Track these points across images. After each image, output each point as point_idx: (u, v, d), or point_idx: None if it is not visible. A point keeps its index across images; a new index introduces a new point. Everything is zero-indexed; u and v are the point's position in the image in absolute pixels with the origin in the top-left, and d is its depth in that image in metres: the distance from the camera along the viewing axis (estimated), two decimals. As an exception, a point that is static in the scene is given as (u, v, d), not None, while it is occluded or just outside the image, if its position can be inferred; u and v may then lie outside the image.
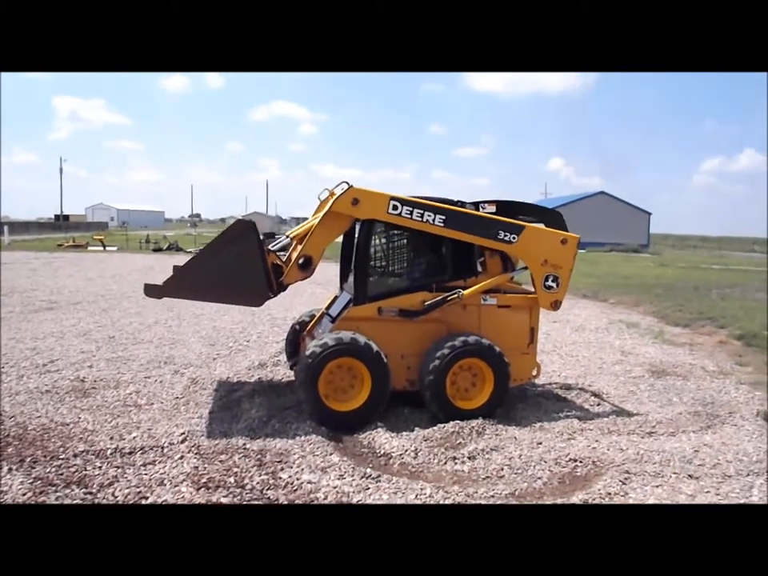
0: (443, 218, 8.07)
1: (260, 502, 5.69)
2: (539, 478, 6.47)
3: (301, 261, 8.06)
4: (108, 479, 6.01)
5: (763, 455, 7.10)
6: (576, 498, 5.92)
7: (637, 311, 19.47)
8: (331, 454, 6.76)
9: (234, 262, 7.58)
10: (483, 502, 5.87)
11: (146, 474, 6.14)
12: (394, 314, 8.22)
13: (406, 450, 7.03)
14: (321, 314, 9.75)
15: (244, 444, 6.98)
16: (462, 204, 8.61)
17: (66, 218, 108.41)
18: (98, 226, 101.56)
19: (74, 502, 5.53)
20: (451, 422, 7.70)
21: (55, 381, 9.53)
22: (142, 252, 45.16)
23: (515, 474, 6.58)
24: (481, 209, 8.62)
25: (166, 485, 5.90)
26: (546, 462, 6.81)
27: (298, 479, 6.14)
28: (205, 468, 6.23)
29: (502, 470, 6.65)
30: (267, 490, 5.92)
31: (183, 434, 7.23)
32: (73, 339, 12.74)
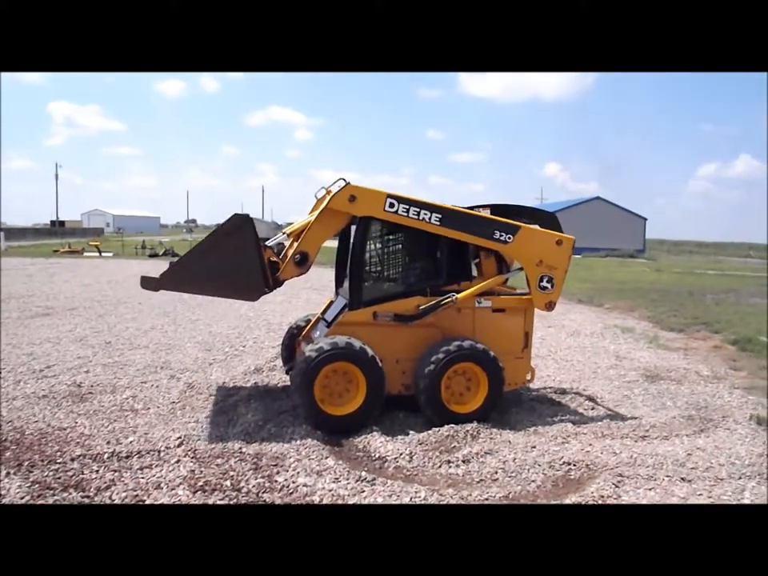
0: (439, 216, 8.13)
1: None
2: (533, 481, 6.52)
3: (297, 257, 8.09)
4: (105, 483, 6.05)
5: (756, 458, 7.16)
6: (569, 501, 5.98)
7: (632, 316, 19.54)
8: (327, 458, 6.81)
9: (230, 256, 7.61)
10: (477, 503, 5.92)
11: (142, 478, 6.18)
12: (389, 319, 8.27)
13: (401, 454, 7.07)
14: (316, 318, 9.78)
15: (240, 448, 7.03)
16: None
17: (62, 223, 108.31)
18: (94, 231, 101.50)
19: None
20: (446, 426, 7.75)
21: (52, 386, 9.57)
22: (137, 258, 45.13)
23: (509, 477, 6.63)
24: (477, 209, 8.67)
25: (162, 488, 5.94)
26: (539, 465, 6.85)
27: (293, 482, 6.18)
28: (201, 471, 6.28)
29: (496, 473, 6.70)
30: (263, 493, 5.97)
31: (180, 438, 7.27)
32: (69, 345, 12.76)
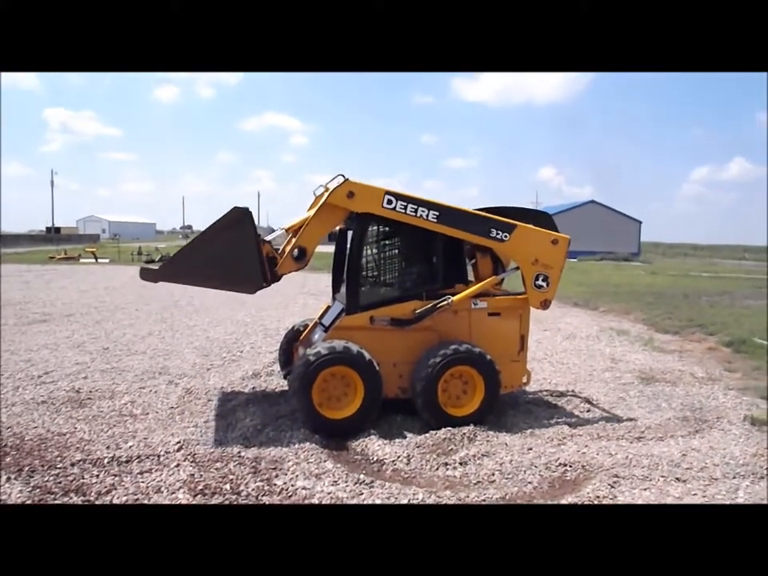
0: (436, 213, 8.19)
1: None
2: (529, 483, 6.58)
3: (295, 252, 8.14)
4: (106, 487, 6.10)
5: (749, 458, 7.23)
6: (565, 502, 6.05)
7: (627, 319, 19.61)
8: (325, 461, 6.88)
9: (229, 248, 7.67)
10: (474, 503, 5.99)
11: (143, 482, 6.23)
12: (385, 323, 8.33)
13: (399, 457, 7.13)
14: (314, 323, 9.85)
15: (239, 452, 7.08)
16: None
17: (58, 230, 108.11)
18: (90, 238, 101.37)
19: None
20: (443, 429, 7.80)
21: (51, 392, 9.61)
22: (134, 264, 45.07)
23: (506, 478, 6.69)
24: None
25: (163, 492, 6.00)
26: (536, 466, 6.92)
27: (292, 485, 6.24)
28: (201, 475, 6.33)
29: (493, 474, 6.76)
30: (262, 496, 6.03)
31: (179, 442, 7.33)
32: (67, 351, 12.80)
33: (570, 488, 6.46)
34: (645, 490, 6.36)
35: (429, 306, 8.30)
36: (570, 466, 6.93)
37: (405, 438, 7.77)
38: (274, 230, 9.01)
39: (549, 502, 6.09)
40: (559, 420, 8.71)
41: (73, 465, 6.66)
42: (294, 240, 8.25)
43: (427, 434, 7.74)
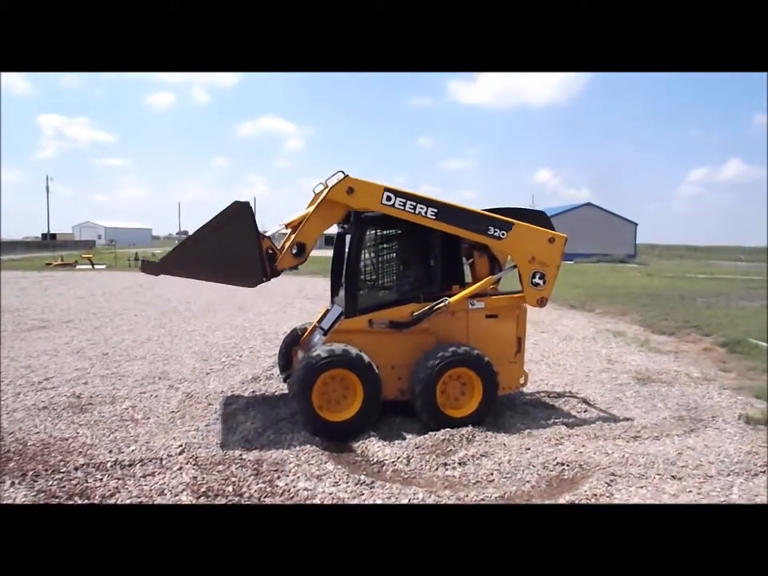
0: (435, 211, 8.26)
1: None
2: (528, 482, 6.67)
3: (294, 247, 8.21)
4: (109, 490, 6.18)
5: (743, 456, 7.33)
6: (563, 500, 6.15)
7: (623, 320, 19.72)
8: (326, 463, 6.96)
9: (229, 242, 7.73)
10: (473, 503, 6.07)
11: (146, 485, 6.30)
12: (384, 326, 8.41)
13: (399, 458, 7.21)
14: (313, 327, 9.93)
15: (240, 454, 7.15)
16: None
17: (54, 236, 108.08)
18: (86, 244, 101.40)
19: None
20: (442, 430, 7.89)
21: (51, 397, 9.67)
22: (131, 270, 45.12)
23: (504, 478, 6.78)
24: None
25: (166, 494, 6.07)
26: (534, 466, 7.01)
27: (294, 487, 6.33)
28: (203, 478, 6.40)
29: (492, 474, 6.85)
30: (265, 497, 6.11)
31: (181, 446, 7.40)
32: (66, 357, 12.86)
33: (568, 487, 6.56)
34: (641, 487, 6.46)
35: (426, 308, 8.38)
36: (568, 465, 7.02)
37: (404, 439, 7.85)
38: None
39: (547, 501, 6.17)
40: (556, 420, 8.80)
41: (76, 469, 6.73)
42: (293, 236, 8.32)
43: (426, 435, 7.83)
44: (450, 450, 7.52)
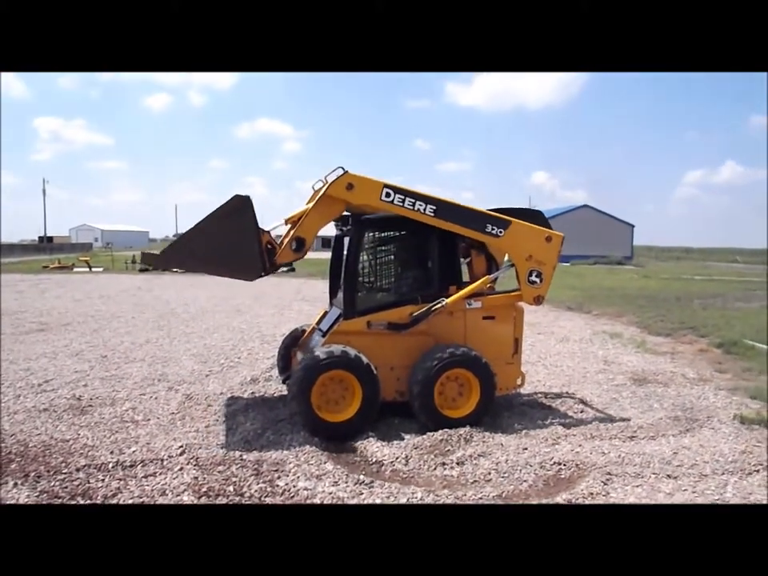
0: (434, 208, 8.33)
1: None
2: (525, 481, 6.74)
3: (294, 242, 8.27)
4: (111, 491, 6.24)
5: (738, 455, 7.42)
6: (560, 499, 6.21)
7: (620, 322, 19.80)
8: (325, 463, 7.03)
9: (229, 235, 7.78)
10: (472, 503, 6.14)
11: (147, 486, 6.37)
12: (382, 328, 8.48)
13: (397, 458, 7.29)
14: (311, 328, 9.99)
15: (241, 455, 7.21)
16: None
17: (50, 239, 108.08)
18: (82, 247, 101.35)
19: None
20: (440, 431, 7.96)
21: (52, 399, 9.72)
22: (128, 272, 45.14)
23: (502, 477, 6.85)
24: None
25: (167, 495, 6.13)
26: (531, 465, 7.08)
27: (294, 486, 6.40)
28: (204, 478, 6.47)
29: (490, 474, 6.92)
30: (265, 497, 6.18)
31: (181, 447, 7.46)
32: (66, 359, 12.90)
33: (565, 486, 6.63)
34: (637, 486, 6.54)
35: (424, 309, 8.45)
36: (564, 465, 7.10)
37: (403, 439, 7.92)
38: None
39: (544, 500, 6.24)
40: (553, 421, 8.87)
41: (78, 470, 6.79)
42: (292, 231, 8.37)
43: (424, 436, 7.90)
44: (448, 450, 7.59)
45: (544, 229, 8.80)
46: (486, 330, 8.88)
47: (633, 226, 79.89)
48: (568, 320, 20.21)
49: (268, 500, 6.13)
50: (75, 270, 47.21)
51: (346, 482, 6.51)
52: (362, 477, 6.65)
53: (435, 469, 7.10)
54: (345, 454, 7.52)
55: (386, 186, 8.20)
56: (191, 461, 6.98)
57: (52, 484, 6.40)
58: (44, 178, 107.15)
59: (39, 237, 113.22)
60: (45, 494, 6.15)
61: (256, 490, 6.27)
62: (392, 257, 9.36)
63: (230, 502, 6.01)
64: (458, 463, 7.19)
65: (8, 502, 5.96)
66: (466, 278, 9.22)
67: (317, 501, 6.13)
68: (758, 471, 7.00)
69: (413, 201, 8.28)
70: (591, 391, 10.79)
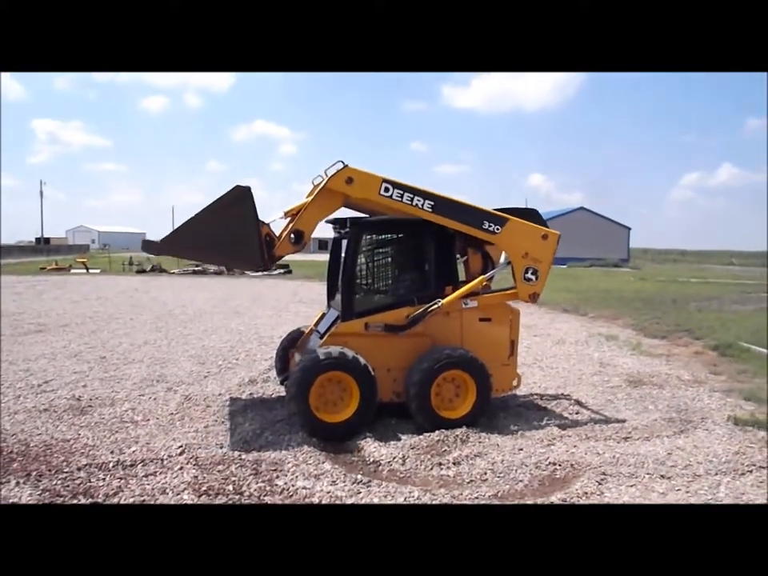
0: (432, 203, 8.44)
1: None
2: (520, 481, 6.83)
3: (293, 234, 8.36)
4: (113, 489, 6.32)
5: (731, 456, 7.50)
6: (555, 498, 6.30)
7: (616, 324, 19.89)
8: (323, 463, 7.11)
9: (230, 225, 7.85)
10: (468, 503, 6.23)
11: (148, 485, 6.45)
12: (380, 329, 8.56)
13: (395, 458, 7.38)
14: (309, 330, 10.07)
15: (240, 455, 7.30)
16: None
17: (47, 241, 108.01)
18: (79, 248, 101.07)
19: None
20: (436, 431, 8.05)
21: (52, 400, 9.79)
22: (125, 274, 45.19)
23: (498, 477, 6.94)
24: None
25: (168, 493, 6.21)
26: (526, 465, 7.17)
27: (293, 485, 6.48)
28: (204, 477, 6.55)
29: (486, 473, 7.01)
30: (264, 496, 6.26)
31: (181, 446, 7.54)
32: (65, 360, 12.97)
33: (560, 485, 6.72)
34: (631, 486, 6.64)
35: (420, 310, 8.53)
36: (560, 465, 7.19)
37: (400, 440, 8.01)
38: None
39: (539, 500, 6.32)
40: (549, 422, 8.95)
41: (79, 469, 6.87)
42: (291, 224, 8.45)
43: (421, 436, 7.99)
44: (445, 450, 7.67)
45: (540, 227, 8.91)
46: (483, 332, 8.95)
47: (629, 229, 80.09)
48: (564, 322, 20.31)
49: (267, 499, 6.21)
50: (72, 271, 47.20)
51: (344, 482, 6.59)
52: (359, 476, 6.73)
53: (432, 469, 7.18)
54: (343, 454, 7.60)
55: (385, 180, 8.31)
56: (191, 460, 7.06)
57: (54, 483, 6.47)
58: (41, 180, 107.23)
59: (36, 238, 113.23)
60: (47, 493, 6.21)
61: (255, 489, 6.35)
62: (389, 259, 9.46)
63: (230, 501, 6.09)
64: (454, 463, 7.28)
65: (10, 501, 6.02)
66: (462, 276, 9.29)
67: (315, 500, 6.21)
68: (750, 472, 7.09)
69: (411, 196, 8.37)
70: (587, 393, 10.88)
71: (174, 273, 45.54)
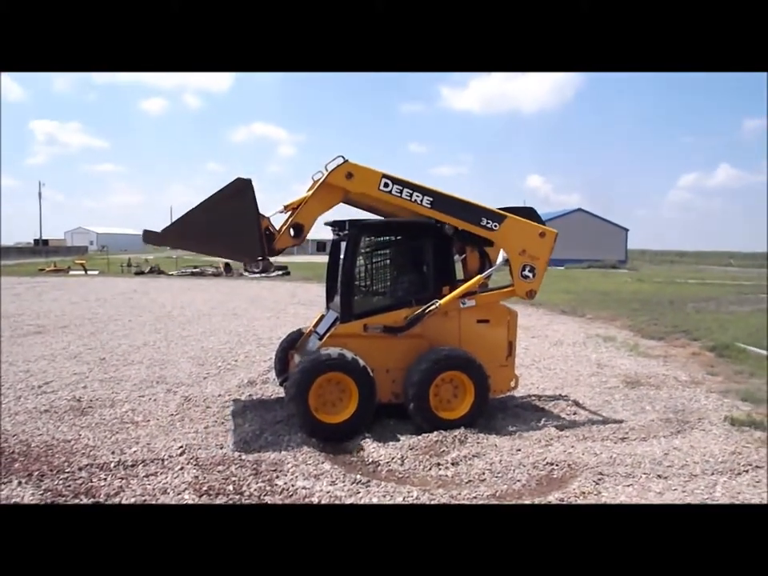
0: (431, 199, 8.51)
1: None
2: (518, 481, 6.89)
3: (292, 228, 8.43)
4: (114, 489, 6.37)
5: (728, 456, 7.56)
6: (552, 498, 6.36)
7: (614, 325, 19.94)
8: (323, 463, 7.17)
9: (230, 217, 7.89)
10: (466, 502, 6.28)
11: (149, 485, 6.50)
12: (378, 331, 8.62)
13: (393, 458, 7.43)
14: (308, 331, 10.12)
15: (240, 455, 7.36)
16: None
17: (46, 242, 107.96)
18: (78, 250, 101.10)
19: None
20: (435, 432, 8.10)
21: (52, 401, 9.84)
22: (123, 275, 45.21)
23: (496, 477, 7.00)
24: None
25: (169, 493, 6.27)
26: (524, 466, 7.23)
27: (293, 485, 6.54)
28: (204, 477, 6.61)
29: (484, 474, 7.07)
30: (264, 496, 6.32)
31: (181, 447, 7.59)
32: (64, 362, 13.01)
33: (557, 485, 6.78)
34: (628, 486, 6.69)
35: (418, 311, 8.58)
36: (557, 465, 7.25)
37: (398, 440, 8.05)
38: None
39: (537, 499, 6.38)
40: (546, 422, 9.00)
41: (80, 469, 6.92)
42: (291, 218, 8.50)
43: (420, 437, 8.04)
44: (443, 450, 7.73)
45: (538, 225, 8.97)
46: (481, 333, 9.01)
47: (627, 230, 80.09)
48: (562, 324, 20.35)
49: (267, 499, 6.27)
50: (71, 273, 47.22)
51: (344, 482, 6.65)
52: (358, 477, 6.79)
53: (430, 469, 7.24)
54: (342, 454, 7.65)
55: (385, 176, 8.37)
56: (191, 461, 7.11)
57: (55, 483, 6.52)
58: (40, 181, 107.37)
59: (35, 240, 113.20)
60: (49, 493, 6.27)
61: (255, 489, 6.41)
62: (388, 261, 9.51)
63: (230, 501, 6.14)
64: (452, 463, 7.34)
65: (13, 501, 6.07)
66: (460, 275, 9.35)
67: (315, 500, 6.27)
68: (747, 471, 7.15)
69: (410, 192, 8.45)
70: (584, 394, 10.94)
71: (172, 274, 45.58)
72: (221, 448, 7.70)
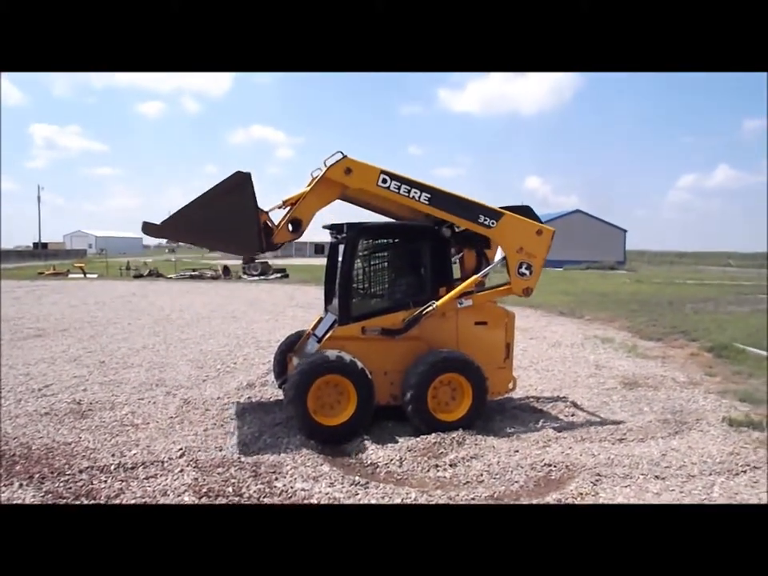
0: (429, 196, 8.52)
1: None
2: (516, 482, 6.92)
3: (291, 223, 8.45)
4: (114, 491, 6.41)
5: (726, 457, 7.59)
6: (550, 498, 6.40)
7: (612, 327, 19.97)
8: (321, 465, 7.20)
9: (229, 210, 7.90)
10: (464, 503, 6.32)
11: (149, 486, 6.54)
12: (376, 333, 8.65)
13: (392, 460, 7.46)
14: (307, 334, 10.15)
15: (239, 458, 7.41)
16: None
17: (45, 245, 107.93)
18: (77, 253, 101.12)
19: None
20: (433, 434, 8.13)
21: (52, 404, 9.87)
22: (122, 279, 45.20)
23: (494, 478, 7.03)
24: (455, 227, 9.08)
25: (169, 495, 6.30)
26: (522, 467, 7.26)
27: (292, 487, 6.57)
28: (204, 479, 6.64)
29: (482, 475, 7.09)
30: (264, 497, 6.35)
31: (181, 449, 7.62)
32: (64, 365, 13.04)
33: (555, 486, 6.81)
34: (625, 487, 6.72)
35: (416, 313, 8.62)
36: (555, 466, 7.28)
37: (397, 442, 8.08)
38: None
39: (535, 500, 6.42)
40: (544, 424, 9.04)
41: (81, 471, 6.95)
42: (290, 213, 8.52)
43: (418, 439, 8.07)
44: (441, 452, 7.76)
45: (535, 222, 9.01)
46: (478, 335, 9.04)
47: (625, 231, 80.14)
48: (560, 325, 20.36)
49: (266, 500, 6.30)
50: (70, 276, 47.24)
51: (342, 483, 6.69)
52: (357, 478, 6.83)
53: (428, 470, 7.27)
54: (340, 456, 7.68)
55: (383, 172, 8.40)
56: (191, 463, 7.15)
57: (56, 485, 6.56)
58: (39, 185, 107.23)
59: (34, 243, 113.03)
60: (49, 495, 6.31)
61: (255, 491, 6.44)
62: (386, 263, 9.55)
63: (230, 503, 6.18)
64: (450, 465, 7.36)
65: (14, 502, 6.10)
66: (457, 274, 9.39)
67: (314, 501, 6.30)
68: (744, 472, 7.18)
69: (408, 188, 8.47)
70: (582, 395, 10.97)
71: (171, 277, 45.58)
72: (220, 450, 7.73)
